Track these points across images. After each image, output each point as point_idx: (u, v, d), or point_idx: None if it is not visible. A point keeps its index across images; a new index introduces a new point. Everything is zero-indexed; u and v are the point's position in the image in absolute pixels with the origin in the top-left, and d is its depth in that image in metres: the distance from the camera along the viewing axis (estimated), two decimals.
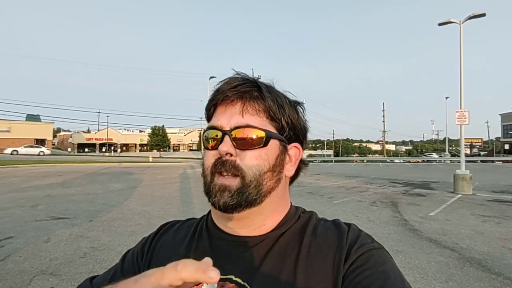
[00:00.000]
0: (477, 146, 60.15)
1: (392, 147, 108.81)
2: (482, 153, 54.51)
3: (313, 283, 0.47)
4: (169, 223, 0.65)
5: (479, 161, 34.97)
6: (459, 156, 11.55)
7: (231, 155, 0.50)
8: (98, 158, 37.80)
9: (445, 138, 45.62)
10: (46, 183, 12.10)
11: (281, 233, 0.54)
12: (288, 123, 0.54)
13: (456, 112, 11.22)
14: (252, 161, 0.50)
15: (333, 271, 0.47)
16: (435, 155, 50.31)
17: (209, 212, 0.61)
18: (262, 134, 0.51)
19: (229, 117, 0.52)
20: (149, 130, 63.71)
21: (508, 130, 49.23)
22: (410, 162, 37.64)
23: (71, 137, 72.71)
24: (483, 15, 10.96)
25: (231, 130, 0.51)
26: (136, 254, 0.61)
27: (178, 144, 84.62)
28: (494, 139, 68.47)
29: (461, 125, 11.18)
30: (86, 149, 66.82)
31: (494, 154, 48.12)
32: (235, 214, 0.51)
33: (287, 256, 0.50)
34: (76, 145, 67.26)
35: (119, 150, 66.01)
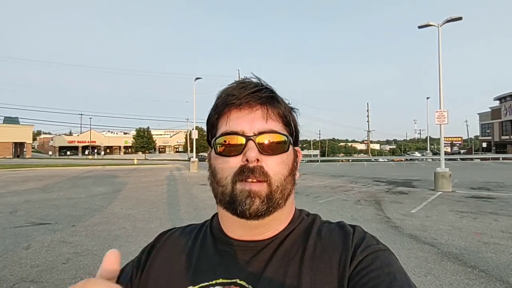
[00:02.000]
0: (457, 145, 62.19)
1: (376, 147, 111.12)
2: (462, 151, 56.39)
3: (318, 285, 0.47)
4: (168, 231, 0.62)
5: (459, 159, 36.15)
6: (440, 154, 11.93)
7: (258, 160, 0.49)
8: (81, 161, 36.89)
9: (427, 137, 46.96)
10: (25, 188, 11.73)
11: (285, 235, 0.53)
12: (295, 128, 0.56)
13: (436, 112, 11.59)
14: (278, 167, 0.50)
15: (338, 272, 0.47)
16: (417, 154, 51.74)
17: (213, 217, 0.60)
18: (285, 139, 0.52)
19: (251, 122, 0.51)
20: (133, 132, 62.71)
21: (486, 129, 51.10)
22: (394, 161, 38.49)
23: (52, 140, 70.65)
24: (460, 18, 11.37)
25: (256, 135, 0.50)
26: (133, 266, 0.58)
27: (164, 145, 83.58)
28: (473, 138, 70.95)
29: (440, 124, 11.56)
30: (69, 152, 65.02)
31: (473, 152, 49.89)
32: (259, 221, 0.50)
33: (292, 258, 0.50)
34: (57, 148, 65.42)
35: (102, 152, 64.60)
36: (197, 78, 22.12)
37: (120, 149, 75.63)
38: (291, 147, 0.53)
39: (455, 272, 3.59)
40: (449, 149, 55.91)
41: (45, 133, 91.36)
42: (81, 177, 16.37)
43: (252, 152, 0.48)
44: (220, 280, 0.49)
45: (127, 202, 8.70)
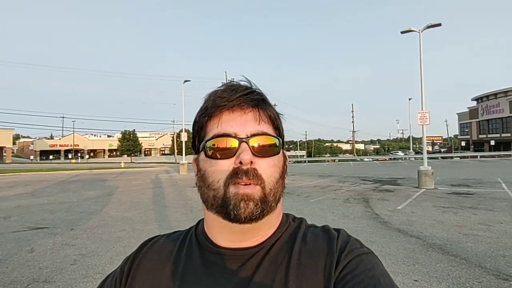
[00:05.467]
0: (438, 144, 64.46)
1: (361, 147, 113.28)
2: (442, 150, 58.51)
3: None
4: (151, 240, 0.61)
5: (439, 158, 37.57)
6: (422, 154, 12.51)
7: (251, 163, 0.48)
8: (65, 165, 36.06)
9: (409, 137, 48.49)
10: (14, 193, 11.53)
11: (273, 242, 0.53)
12: (282, 131, 0.56)
13: (418, 113, 12.18)
14: (270, 169, 0.50)
15: (324, 278, 0.47)
16: (400, 153, 53.23)
17: (197, 224, 0.59)
18: (276, 142, 0.51)
19: (243, 124, 0.50)
20: (118, 135, 61.60)
21: (464, 128, 53.21)
22: (378, 160, 39.54)
23: (32, 144, 68.49)
24: (439, 24, 12.02)
25: (248, 137, 0.49)
26: (114, 277, 0.57)
27: (150, 148, 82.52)
28: (453, 137, 73.54)
29: (422, 125, 12.16)
30: (51, 156, 63.19)
31: (453, 151, 51.87)
32: (252, 225, 0.49)
33: (278, 265, 0.50)
34: (38, 152, 63.46)
35: (86, 156, 63.07)
36: (185, 81, 22.17)
37: (104, 153, 74.12)
38: (281, 150, 0.53)
39: (439, 260, 3.95)
40: (430, 148, 57.97)
41: (24, 137, 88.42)
42: (69, 182, 16.13)
43: (246, 154, 0.48)
44: None
45: (121, 205, 8.76)
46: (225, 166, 0.49)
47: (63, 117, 66.06)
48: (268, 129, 0.52)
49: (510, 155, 33.25)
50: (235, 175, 0.48)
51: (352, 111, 62.79)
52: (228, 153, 0.49)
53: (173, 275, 0.52)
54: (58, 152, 65.81)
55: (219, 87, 0.54)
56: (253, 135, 0.50)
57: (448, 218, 6.31)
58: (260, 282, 0.48)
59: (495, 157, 33.01)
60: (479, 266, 3.72)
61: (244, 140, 0.49)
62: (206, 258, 0.53)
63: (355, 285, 0.44)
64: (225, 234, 0.53)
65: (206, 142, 0.51)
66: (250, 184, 0.48)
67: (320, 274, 0.47)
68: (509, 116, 40.61)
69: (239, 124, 0.50)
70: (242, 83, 0.54)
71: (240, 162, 0.48)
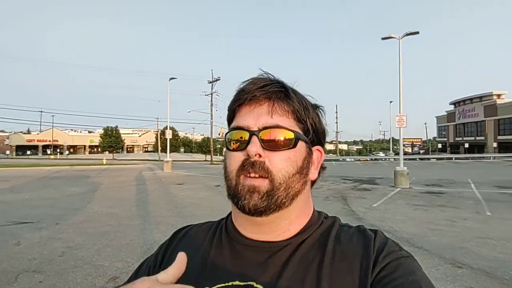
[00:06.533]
0: (418, 145, 66.72)
1: (344, 147, 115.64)
2: (421, 151, 60.68)
3: None
4: (183, 229, 0.62)
5: (418, 159, 39.01)
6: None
7: (260, 156, 0.49)
8: (44, 161, 35.07)
9: (390, 138, 50.00)
10: None
11: (303, 238, 0.52)
12: (312, 126, 0.54)
13: (396, 116, 12.78)
14: (282, 163, 0.49)
15: (359, 279, 0.45)
16: (381, 154, 54.87)
17: (228, 215, 0.59)
18: (291, 135, 0.50)
19: (257, 117, 0.51)
20: (100, 131, 60.29)
21: (442, 131, 55.47)
22: (360, 160, 40.62)
23: (8, 138, 65.86)
24: (417, 32, 12.65)
25: (260, 130, 0.50)
26: (149, 265, 0.58)
27: (132, 145, 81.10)
28: (431, 139, 76.18)
29: (400, 127, 12.77)
30: (29, 152, 61.06)
31: (430, 152, 53.97)
32: (263, 218, 0.49)
33: (310, 263, 0.48)
34: (14, 148, 61.18)
35: (66, 152, 61.42)
36: (171, 78, 22.12)
37: (85, 149, 72.27)
38: (301, 144, 0.52)
39: None
40: (410, 150, 59.97)
41: None
42: (50, 178, 15.86)
43: (252, 147, 0.48)
44: (237, 283, 0.49)
45: (106, 202, 8.82)
46: (238, 158, 0.50)
47: (41, 111, 63.99)
48: (284, 121, 0.51)
49: (482, 157, 35.04)
50: (243, 167, 0.49)
51: (336, 112, 64.12)
52: (241, 145, 0.51)
53: (203, 264, 0.53)
54: (36, 147, 63.62)
55: (244, 80, 0.54)
56: (264, 128, 0.50)
57: (418, 215, 6.79)
58: (291, 279, 0.47)
59: (469, 159, 34.63)
60: (439, 256, 4.14)
61: (255, 132, 0.49)
62: (235, 248, 0.53)
63: None
64: (246, 225, 0.53)
65: (225, 135, 0.54)
66: (258, 177, 0.48)
67: (355, 275, 0.46)
68: (483, 120, 42.69)
69: (253, 117, 0.51)
70: (263, 76, 0.54)
71: (248, 155, 0.49)
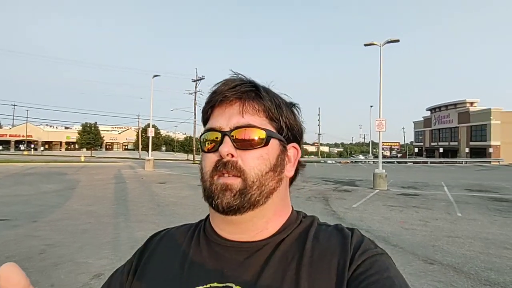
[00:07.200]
0: (395, 149, 68.96)
1: (326, 149, 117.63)
2: (399, 155, 62.75)
3: None
4: (159, 233, 0.61)
5: (395, 162, 40.32)
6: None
7: (232, 156, 0.49)
8: (17, 157, 33.56)
9: (370, 142, 51.44)
10: None
11: (282, 238, 0.52)
12: (286, 123, 0.54)
13: (376, 120, 13.21)
14: (254, 161, 0.50)
15: (337, 276, 0.46)
16: (361, 157, 56.23)
17: (207, 217, 0.59)
18: (263, 133, 0.50)
19: (228, 117, 0.51)
20: (78, 127, 58.28)
21: (419, 136, 57.60)
22: (341, 162, 41.45)
23: None
24: (397, 40, 13.15)
25: (231, 130, 0.50)
26: (122, 271, 0.57)
27: (112, 142, 79.09)
28: (408, 143, 78.89)
29: (379, 131, 13.22)
30: (0, 147, 58.17)
31: (407, 156, 55.87)
32: (238, 217, 0.50)
33: (289, 262, 0.49)
34: None
35: (41, 148, 58.92)
36: (155, 75, 21.80)
37: (61, 145, 69.76)
38: (274, 141, 0.52)
39: None
40: (388, 153, 61.93)
41: None
42: (23, 174, 15.25)
43: (224, 147, 0.49)
44: (215, 284, 0.48)
45: (84, 199, 8.62)
46: (212, 159, 0.51)
47: (14, 105, 60.94)
48: (256, 120, 0.51)
49: (455, 161, 36.73)
50: (216, 167, 0.49)
51: (318, 115, 65.19)
52: (214, 146, 0.51)
53: (181, 267, 0.52)
54: (8, 142, 60.75)
55: (216, 83, 0.54)
56: (236, 128, 0.50)
57: (394, 215, 7.10)
58: (270, 278, 0.47)
59: (443, 163, 36.23)
60: (413, 253, 4.38)
61: (226, 133, 0.50)
62: (213, 249, 0.53)
63: (369, 285, 0.43)
64: (222, 226, 0.53)
65: (200, 137, 0.55)
66: (232, 176, 0.49)
67: (332, 273, 0.47)
68: (457, 127, 44.75)
69: (224, 117, 0.51)
70: (235, 77, 0.54)
71: (221, 155, 0.49)
